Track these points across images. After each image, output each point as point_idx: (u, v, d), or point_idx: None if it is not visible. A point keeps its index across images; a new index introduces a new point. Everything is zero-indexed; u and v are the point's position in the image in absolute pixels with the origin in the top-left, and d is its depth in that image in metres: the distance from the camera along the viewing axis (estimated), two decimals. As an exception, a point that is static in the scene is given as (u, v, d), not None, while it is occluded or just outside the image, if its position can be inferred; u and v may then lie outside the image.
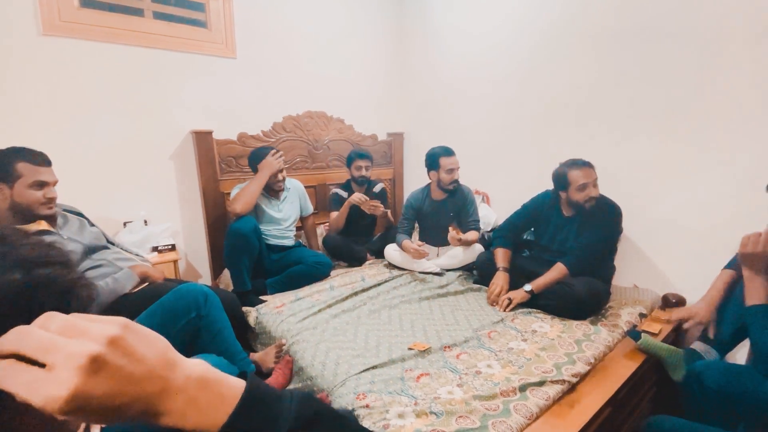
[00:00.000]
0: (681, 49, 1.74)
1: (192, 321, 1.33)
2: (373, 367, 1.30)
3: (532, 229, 2.05)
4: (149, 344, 0.29)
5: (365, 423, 1.07)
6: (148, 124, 2.08)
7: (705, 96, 1.70)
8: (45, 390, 0.23)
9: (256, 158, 2.07)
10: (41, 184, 1.35)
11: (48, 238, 0.39)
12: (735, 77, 1.61)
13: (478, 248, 2.22)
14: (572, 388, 1.25)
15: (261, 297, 1.94)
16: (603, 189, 1.89)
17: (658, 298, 1.85)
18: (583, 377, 1.30)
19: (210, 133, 2.21)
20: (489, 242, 2.34)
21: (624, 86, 1.94)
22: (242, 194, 1.96)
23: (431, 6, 2.82)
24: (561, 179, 1.78)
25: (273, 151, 2.07)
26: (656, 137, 1.87)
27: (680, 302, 1.78)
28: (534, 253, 2.04)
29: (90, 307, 0.37)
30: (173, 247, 2.04)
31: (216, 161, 2.26)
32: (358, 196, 2.31)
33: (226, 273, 2.13)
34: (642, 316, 1.72)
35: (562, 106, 2.20)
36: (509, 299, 1.76)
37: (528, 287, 1.76)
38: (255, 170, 2.07)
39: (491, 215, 2.48)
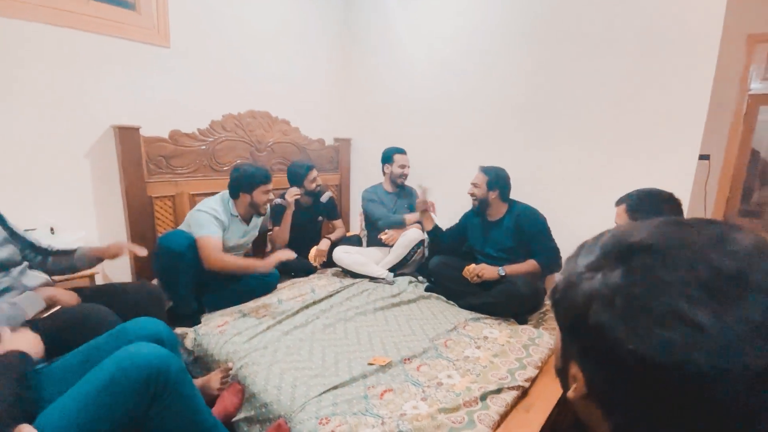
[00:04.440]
0: (599, 84, 1.98)
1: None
2: (334, 387, 1.24)
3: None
4: None
5: (332, 450, 1.01)
6: (58, 115, 1.77)
7: (625, 120, 1.94)
8: None
9: (241, 182, 1.90)
10: None
11: None
12: (650, 104, 1.87)
13: (412, 238, 2.31)
14: (525, 392, 1.32)
15: (199, 315, 1.75)
16: (536, 199, 2.07)
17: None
18: (533, 381, 1.38)
19: (137, 129, 1.94)
20: (435, 250, 2.41)
21: (558, 107, 2.13)
22: (233, 262, 1.79)
23: (378, 16, 2.82)
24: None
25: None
26: (585, 154, 2.08)
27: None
28: (480, 259, 2.14)
29: None
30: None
31: (143, 161, 2.00)
32: (291, 194, 2.22)
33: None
34: (574, 318, 1.89)
35: (503, 121, 2.35)
36: (478, 275, 1.89)
37: (502, 271, 1.87)
38: (236, 194, 1.91)
39: (437, 223, 2.55)
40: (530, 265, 1.89)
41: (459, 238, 2.22)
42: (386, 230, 2.33)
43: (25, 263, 1.32)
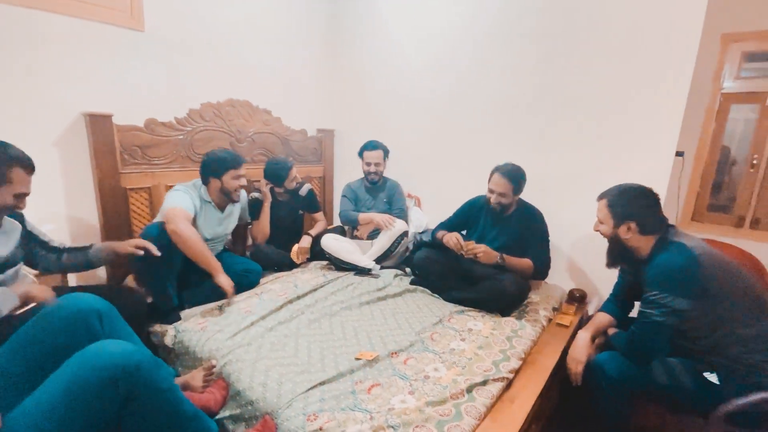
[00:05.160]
0: (584, 84, 2.01)
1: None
2: (321, 383, 1.23)
3: (464, 232, 2.17)
4: None
5: (320, 447, 1.00)
6: (23, 101, 1.65)
7: (608, 118, 1.98)
8: None
9: (210, 166, 1.83)
10: (22, 196, 1.21)
11: None
12: (632, 102, 1.91)
13: (398, 230, 2.31)
14: (509, 384, 1.35)
15: (179, 311, 1.70)
16: (524, 193, 2.09)
17: (565, 293, 2.10)
18: (516, 372, 1.41)
19: (109, 117, 1.84)
20: (420, 244, 2.42)
21: (545, 106, 2.16)
22: (193, 242, 1.62)
23: (367, 5, 2.77)
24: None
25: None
26: (567, 152, 2.12)
27: (582, 296, 2.04)
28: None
29: None
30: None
31: (117, 151, 1.91)
32: (263, 185, 2.25)
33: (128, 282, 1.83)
34: (555, 310, 1.94)
35: (491, 117, 2.36)
36: (475, 254, 1.81)
37: (500, 258, 1.84)
38: (207, 179, 1.85)
39: (423, 218, 2.55)
40: (526, 263, 1.87)
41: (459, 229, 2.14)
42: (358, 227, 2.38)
43: (20, 264, 1.30)
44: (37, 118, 1.70)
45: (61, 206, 1.83)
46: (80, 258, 1.46)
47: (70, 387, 0.83)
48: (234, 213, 2.05)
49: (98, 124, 1.82)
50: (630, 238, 1.36)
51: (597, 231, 1.47)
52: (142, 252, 1.47)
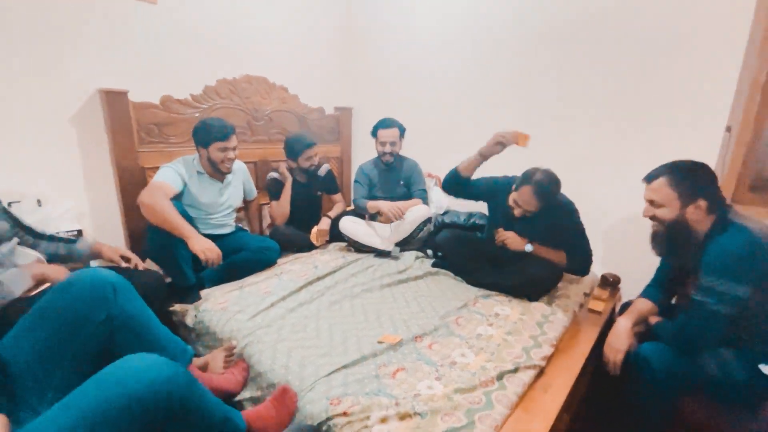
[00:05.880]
0: (618, 52, 1.86)
1: (101, 325, 0.98)
2: (344, 367, 1.19)
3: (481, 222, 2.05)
4: None
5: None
6: (38, 78, 1.62)
7: (634, 98, 1.84)
8: None
9: (197, 134, 1.77)
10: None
11: None
12: (663, 82, 1.76)
13: (420, 215, 2.19)
14: (541, 371, 1.28)
15: (198, 290, 1.68)
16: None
17: (597, 278, 2.00)
18: (548, 359, 1.34)
19: (124, 93, 1.80)
20: (442, 225, 2.34)
21: (567, 83, 2.03)
22: (157, 209, 1.53)
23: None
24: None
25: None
26: (593, 132, 2.00)
27: (616, 281, 1.94)
28: (489, 235, 2.02)
29: None
30: (79, 234, 1.65)
31: (134, 129, 1.87)
32: (283, 165, 2.22)
33: (149, 263, 1.82)
34: (586, 295, 1.85)
35: (511, 98, 2.24)
36: (504, 242, 1.77)
37: (530, 247, 1.75)
38: (197, 148, 1.80)
39: (443, 199, 2.46)
40: (560, 255, 1.74)
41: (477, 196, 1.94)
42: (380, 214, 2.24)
43: (16, 239, 1.24)
44: (53, 95, 1.67)
45: (80, 184, 1.81)
46: (62, 250, 1.38)
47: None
48: (235, 182, 1.99)
49: (114, 101, 1.78)
50: (698, 218, 1.20)
51: (650, 216, 1.29)
52: (125, 264, 1.44)
